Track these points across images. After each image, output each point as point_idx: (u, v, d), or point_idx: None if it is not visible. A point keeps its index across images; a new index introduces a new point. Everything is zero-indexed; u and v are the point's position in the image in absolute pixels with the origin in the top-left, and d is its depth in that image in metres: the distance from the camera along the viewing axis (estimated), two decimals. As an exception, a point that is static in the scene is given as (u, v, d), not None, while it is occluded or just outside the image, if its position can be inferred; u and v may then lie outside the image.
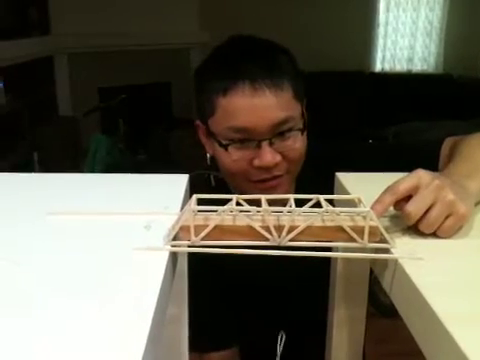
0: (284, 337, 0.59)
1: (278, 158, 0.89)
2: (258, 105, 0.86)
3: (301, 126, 0.92)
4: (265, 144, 0.87)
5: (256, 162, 0.89)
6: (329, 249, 0.59)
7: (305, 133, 0.93)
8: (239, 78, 0.86)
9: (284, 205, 0.57)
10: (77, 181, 0.77)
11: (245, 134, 0.88)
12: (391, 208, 0.60)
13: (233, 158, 0.89)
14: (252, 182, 0.91)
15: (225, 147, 0.89)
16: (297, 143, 0.91)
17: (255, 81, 0.86)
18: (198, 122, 0.98)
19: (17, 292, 0.45)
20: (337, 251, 0.63)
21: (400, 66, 5.48)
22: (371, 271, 0.70)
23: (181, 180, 0.72)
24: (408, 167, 0.64)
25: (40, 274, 0.48)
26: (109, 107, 3.74)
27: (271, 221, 0.54)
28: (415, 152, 0.94)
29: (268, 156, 0.88)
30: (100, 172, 3.22)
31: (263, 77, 0.86)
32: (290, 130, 0.89)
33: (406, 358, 1.60)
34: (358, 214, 0.56)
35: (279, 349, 0.61)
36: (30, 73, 3.49)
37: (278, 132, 0.88)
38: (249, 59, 0.89)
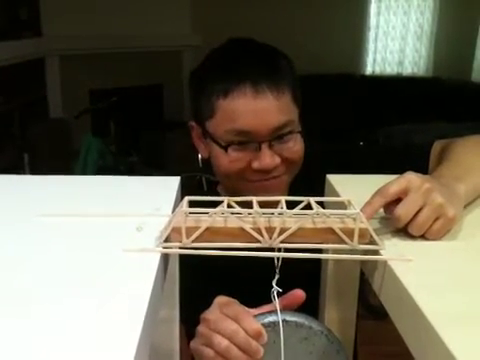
0: (280, 261, 0.61)
1: (277, 160, 0.89)
2: (260, 108, 0.86)
3: (300, 129, 0.92)
4: (265, 146, 0.87)
5: (255, 164, 0.88)
6: (319, 251, 0.60)
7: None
8: (240, 80, 0.86)
9: (275, 207, 0.57)
10: (69, 183, 0.77)
11: (245, 136, 0.87)
12: (381, 210, 0.61)
13: (231, 159, 0.89)
14: (249, 183, 0.91)
15: (225, 148, 0.89)
16: (296, 145, 0.91)
17: (257, 83, 0.86)
18: (192, 123, 0.97)
19: (9, 294, 0.45)
20: (327, 253, 0.64)
21: (390, 69, 5.50)
22: (362, 273, 0.70)
23: (173, 182, 0.72)
24: (398, 169, 0.64)
25: (32, 276, 0.48)
26: (100, 109, 3.73)
27: (262, 223, 0.54)
28: (405, 154, 0.95)
29: (267, 159, 0.88)
30: (91, 174, 3.20)
31: (265, 80, 0.86)
32: (289, 133, 0.90)
33: (394, 359, 1.61)
34: (348, 216, 0.57)
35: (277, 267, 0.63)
36: (21, 75, 3.47)
37: (278, 135, 0.88)
38: (250, 61, 0.89)
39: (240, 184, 0.92)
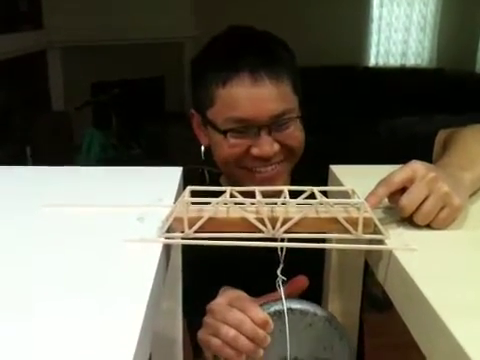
0: (284, 251, 0.62)
1: (276, 147, 0.89)
2: (258, 96, 0.86)
3: (299, 114, 0.92)
4: (264, 133, 0.88)
5: (255, 151, 0.89)
6: (323, 240, 0.59)
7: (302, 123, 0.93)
8: (239, 69, 0.86)
9: (278, 197, 0.56)
10: (71, 174, 0.76)
11: (245, 124, 0.88)
12: (385, 200, 0.60)
13: (231, 144, 0.89)
14: (249, 171, 0.91)
15: (224, 133, 0.89)
16: (296, 131, 0.91)
17: (255, 72, 0.86)
18: (193, 111, 0.98)
19: (11, 284, 0.45)
20: (331, 242, 0.63)
21: (394, 61, 5.48)
22: (366, 264, 0.70)
23: (175, 172, 0.72)
24: (402, 159, 0.63)
25: (34, 266, 0.48)
26: (102, 102, 3.72)
27: (265, 213, 0.54)
28: (409, 145, 0.94)
29: (267, 146, 0.88)
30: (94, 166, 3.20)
31: (263, 68, 0.86)
32: (289, 120, 0.90)
33: (400, 350, 1.61)
34: (352, 205, 0.56)
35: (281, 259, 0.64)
36: (23, 67, 3.47)
37: (277, 122, 0.88)
38: (249, 50, 0.89)
39: (240, 172, 0.92)
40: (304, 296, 0.76)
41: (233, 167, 0.92)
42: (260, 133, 0.88)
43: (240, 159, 0.90)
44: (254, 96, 0.86)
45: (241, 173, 0.92)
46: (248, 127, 0.88)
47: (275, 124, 0.88)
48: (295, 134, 0.91)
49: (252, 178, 0.91)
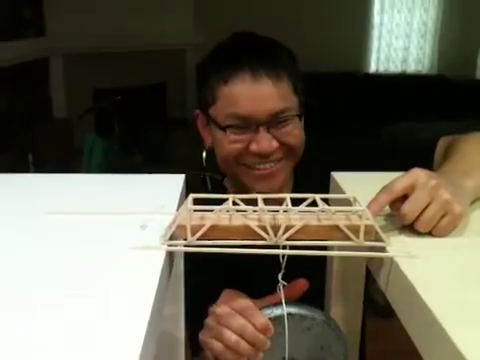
0: (285, 258, 0.64)
1: (275, 144, 0.91)
2: (258, 93, 0.89)
3: (299, 113, 0.94)
4: (263, 130, 0.90)
5: (253, 147, 0.90)
6: (325, 248, 0.60)
7: (303, 122, 0.95)
8: (240, 67, 0.89)
9: (280, 204, 0.57)
10: (74, 181, 0.77)
11: (244, 121, 0.90)
12: (387, 207, 0.61)
13: (230, 140, 0.91)
14: (248, 168, 0.93)
15: (224, 129, 0.91)
16: (295, 129, 0.93)
17: (255, 70, 0.89)
18: (197, 111, 1.00)
19: (15, 291, 0.45)
20: (333, 250, 0.63)
21: (394, 67, 5.48)
22: (368, 271, 0.70)
23: (177, 180, 0.73)
24: (403, 166, 0.64)
25: (36, 273, 0.48)
26: (104, 108, 3.73)
27: (267, 220, 0.54)
28: (410, 151, 0.95)
29: (265, 142, 0.90)
30: (95, 173, 3.20)
31: (263, 67, 0.89)
32: (287, 118, 0.91)
33: (402, 357, 1.60)
34: (354, 213, 0.57)
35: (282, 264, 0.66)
36: (25, 74, 3.48)
37: (276, 119, 0.90)
38: (250, 51, 0.92)
39: (239, 169, 0.94)
40: (304, 299, 0.77)
41: (233, 164, 0.94)
42: (259, 130, 0.90)
43: (240, 156, 0.92)
44: (254, 93, 0.88)
45: (240, 170, 0.94)
46: (247, 124, 0.90)
47: (274, 121, 0.90)
48: (294, 132, 0.93)
49: (251, 175, 0.93)
